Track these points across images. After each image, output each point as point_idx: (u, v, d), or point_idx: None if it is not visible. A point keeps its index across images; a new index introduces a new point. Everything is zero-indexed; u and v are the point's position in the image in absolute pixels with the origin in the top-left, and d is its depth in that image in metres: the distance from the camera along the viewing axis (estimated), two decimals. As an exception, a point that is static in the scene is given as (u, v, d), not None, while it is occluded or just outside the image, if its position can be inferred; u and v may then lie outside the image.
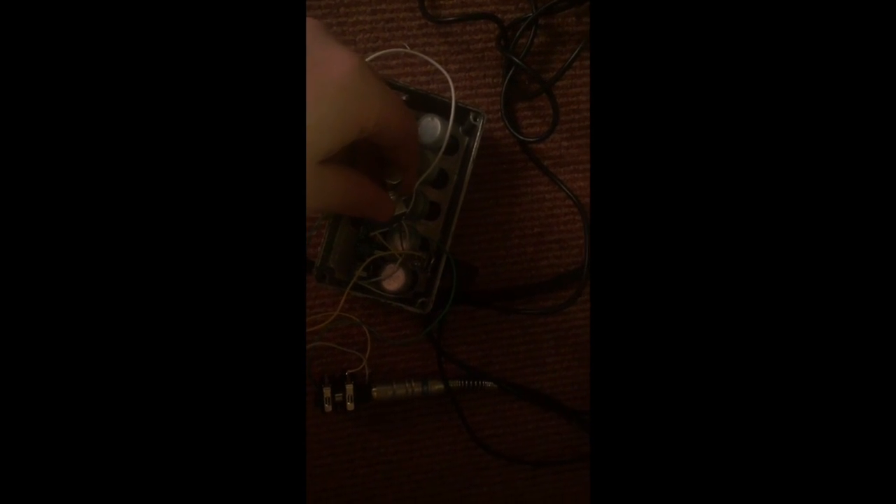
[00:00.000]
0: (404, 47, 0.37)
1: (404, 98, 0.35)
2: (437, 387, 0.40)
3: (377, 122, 0.24)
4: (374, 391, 0.39)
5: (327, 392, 0.38)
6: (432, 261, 0.36)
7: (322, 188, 0.23)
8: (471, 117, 0.35)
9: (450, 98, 0.34)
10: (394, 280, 0.36)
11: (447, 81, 0.33)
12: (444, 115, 0.35)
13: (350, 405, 0.38)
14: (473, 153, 0.35)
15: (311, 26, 0.23)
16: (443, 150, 0.35)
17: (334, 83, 0.22)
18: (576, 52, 0.34)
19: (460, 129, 0.37)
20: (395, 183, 0.32)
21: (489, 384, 0.40)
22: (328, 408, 0.38)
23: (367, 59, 0.34)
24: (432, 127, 0.35)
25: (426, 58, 0.34)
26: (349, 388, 0.38)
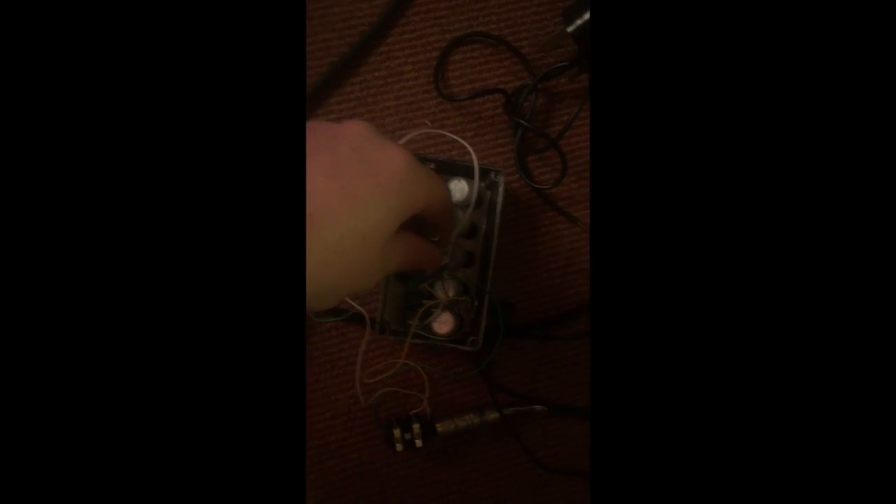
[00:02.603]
0: (427, 124, 0.43)
1: (432, 167, 0.41)
2: (493, 415, 0.44)
3: (426, 201, 0.29)
4: (439, 426, 0.43)
5: (397, 433, 0.42)
6: (475, 303, 0.41)
7: (393, 255, 0.29)
8: (492, 175, 0.41)
9: (470, 161, 0.40)
10: (444, 324, 0.40)
11: (465, 147, 0.39)
12: (468, 177, 0.41)
13: (419, 442, 0.42)
14: (499, 206, 0.40)
15: (364, 129, 0.28)
16: (472, 206, 0.40)
17: (395, 179, 0.27)
18: (576, 111, 0.40)
19: (482, 185, 0.42)
20: (435, 240, 0.37)
21: (539, 407, 0.44)
22: (399, 447, 0.42)
23: (400, 143, 0.40)
24: (460, 188, 0.41)
25: (448, 134, 0.40)
26: (416, 426, 0.42)
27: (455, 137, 0.40)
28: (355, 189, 0.25)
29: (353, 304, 0.43)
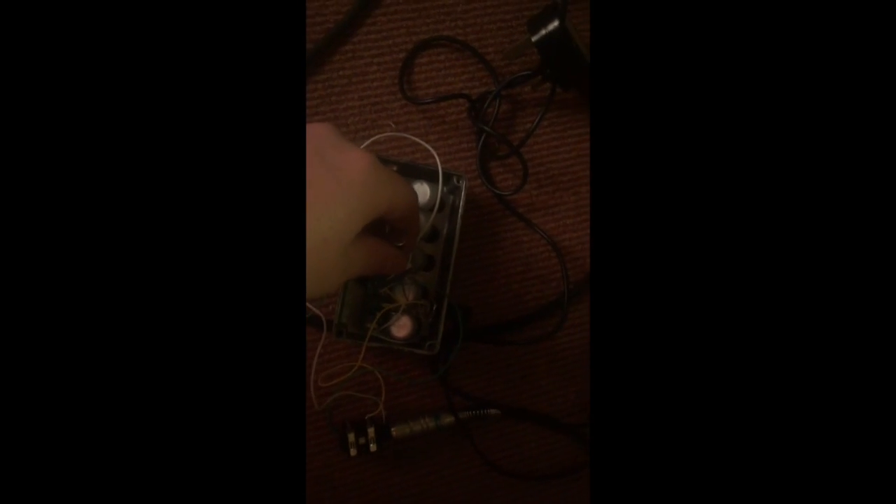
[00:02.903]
0: (390, 126, 0.43)
1: (395, 168, 0.41)
2: (449, 419, 0.44)
3: (389, 204, 0.29)
4: (394, 430, 0.43)
5: (351, 437, 0.42)
6: (434, 307, 0.41)
7: (356, 259, 0.28)
8: (454, 179, 0.41)
9: (433, 165, 0.40)
10: (402, 328, 0.40)
11: (428, 150, 0.39)
12: (430, 180, 0.41)
13: (373, 447, 0.42)
14: (461, 210, 0.41)
15: (326, 132, 0.28)
16: (435, 210, 0.40)
17: (357, 181, 0.26)
18: (538, 119, 0.41)
19: (445, 189, 0.42)
20: (400, 245, 0.37)
21: (494, 411, 0.45)
22: (353, 452, 0.42)
23: (364, 145, 0.40)
24: (422, 191, 0.41)
25: (412, 137, 0.40)
26: (371, 430, 0.42)
27: (419, 141, 0.40)
28: (317, 191, 0.25)
29: (310, 306, 0.42)
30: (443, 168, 0.39)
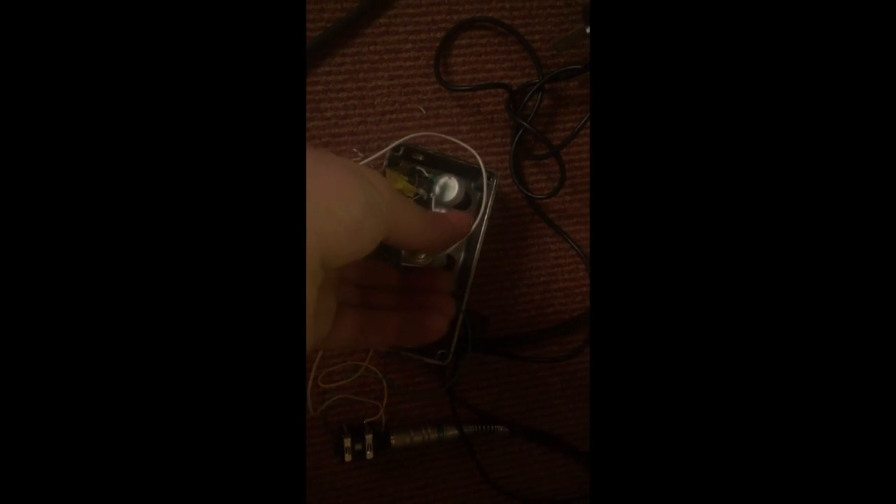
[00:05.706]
0: (420, 110, 0.40)
1: (421, 158, 0.37)
2: (452, 432, 0.41)
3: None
4: (393, 439, 0.40)
5: (347, 442, 0.39)
6: (449, 312, 0.38)
7: (426, 215, 0.27)
8: (484, 176, 0.38)
9: (462, 157, 0.36)
10: (412, 332, 0.37)
11: (460, 143, 0.35)
12: (458, 174, 0.37)
13: (370, 454, 0.39)
14: (488, 211, 0.37)
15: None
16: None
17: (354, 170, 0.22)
18: (584, 120, 0.37)
19: (472, 185, 0.39)
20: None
21: (501, 428, 0.42)
22: (348, 458, 0.39)
23: (394, 143, 0.36)
24: (450, 186, 0.37)
25: (447, 137, 0.37)
26: (369, 437, 0.39)
27: (455, 141, 0.36)
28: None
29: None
30: (473, 163, 0.36)
